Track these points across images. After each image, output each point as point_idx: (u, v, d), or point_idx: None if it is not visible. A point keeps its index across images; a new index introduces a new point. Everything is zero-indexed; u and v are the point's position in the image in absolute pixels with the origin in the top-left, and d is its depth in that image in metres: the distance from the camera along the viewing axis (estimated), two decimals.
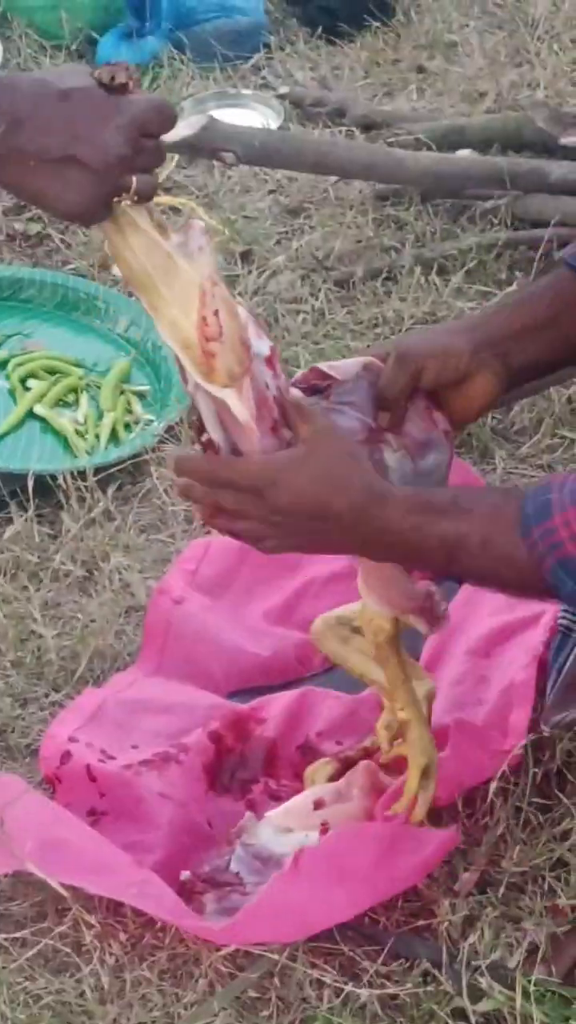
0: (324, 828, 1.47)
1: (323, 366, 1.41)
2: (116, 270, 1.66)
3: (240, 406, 1.29)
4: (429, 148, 2.60)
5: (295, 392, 1.37)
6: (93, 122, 1.18)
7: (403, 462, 1.38)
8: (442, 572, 1.45)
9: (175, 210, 1.61)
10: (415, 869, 1.44)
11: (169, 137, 1.28)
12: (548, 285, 1.52)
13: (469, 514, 1.30)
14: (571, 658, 1.62)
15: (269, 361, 1.32)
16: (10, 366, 2.19)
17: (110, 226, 1.25)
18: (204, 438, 1.32)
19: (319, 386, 1.39)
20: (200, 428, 1.33)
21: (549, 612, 1.68)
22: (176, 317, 1.27)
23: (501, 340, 1.45)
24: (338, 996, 1.38)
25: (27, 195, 1.27)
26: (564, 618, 1.62)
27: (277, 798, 1.60)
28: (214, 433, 1.31)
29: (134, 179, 1.20)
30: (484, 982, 1.33)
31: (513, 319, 1.48)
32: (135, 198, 1.21)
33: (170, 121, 1.25)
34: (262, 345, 1.33)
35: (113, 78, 1.21)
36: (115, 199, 1.21)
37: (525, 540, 1.24)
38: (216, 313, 1.23)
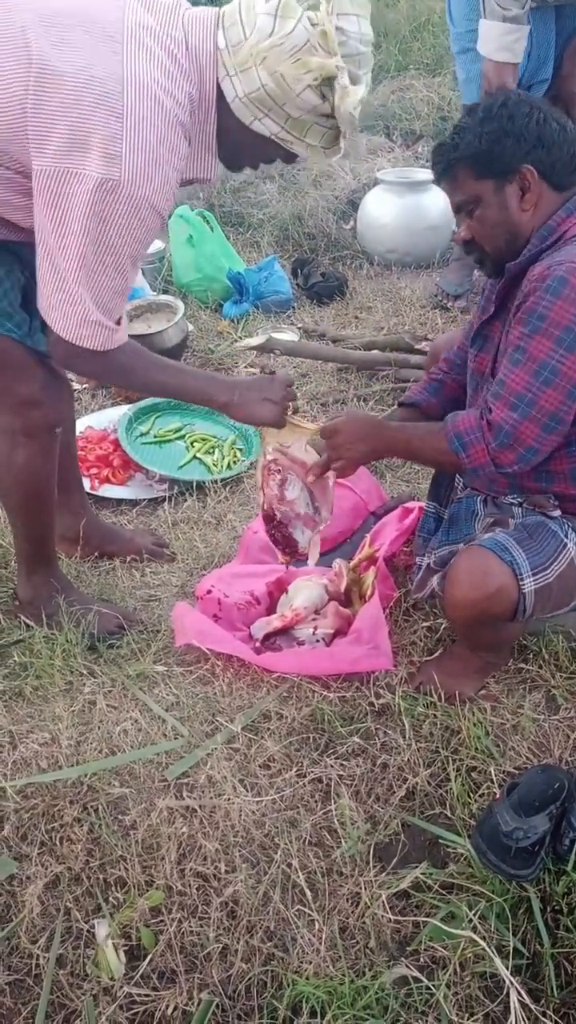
0: (315, 627, 2.07)
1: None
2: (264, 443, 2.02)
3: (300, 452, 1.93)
4: (360, 349, 3.49)
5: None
6: (273, 387, 1.87)
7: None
8: (404, 456, 2.01)
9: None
10: (357, 661, 1.95)
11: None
12: (400, 415, 2.18)
13: (416, 430, 1.89)
14: (423, 566, 2.00)
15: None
16: (186, 437, 3.07)
17: (284, 424, 1.92)
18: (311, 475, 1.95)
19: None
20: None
21: (415, 512, 2.19)
22: (302, 449, 1.96)
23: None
24: (321, 696, 1.88)
25: (247, 418, 1.86)
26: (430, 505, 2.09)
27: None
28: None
29: (291, 405, 1.90)
30: (384, 692, 1.91)
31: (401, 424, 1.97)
32: (292, 412, 1.92)
33: (292, 383, 1.86)
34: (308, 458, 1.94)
35: (264, 369, 2.32)
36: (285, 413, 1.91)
37: (444, 433, 1.81)
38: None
